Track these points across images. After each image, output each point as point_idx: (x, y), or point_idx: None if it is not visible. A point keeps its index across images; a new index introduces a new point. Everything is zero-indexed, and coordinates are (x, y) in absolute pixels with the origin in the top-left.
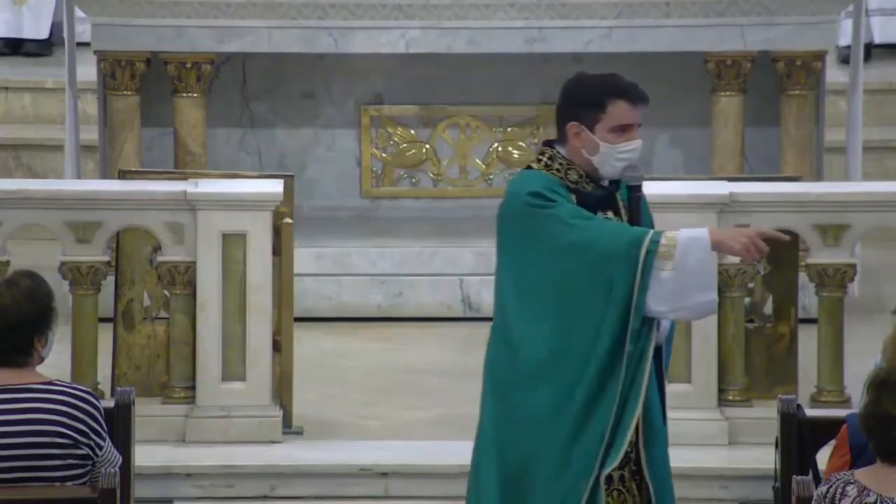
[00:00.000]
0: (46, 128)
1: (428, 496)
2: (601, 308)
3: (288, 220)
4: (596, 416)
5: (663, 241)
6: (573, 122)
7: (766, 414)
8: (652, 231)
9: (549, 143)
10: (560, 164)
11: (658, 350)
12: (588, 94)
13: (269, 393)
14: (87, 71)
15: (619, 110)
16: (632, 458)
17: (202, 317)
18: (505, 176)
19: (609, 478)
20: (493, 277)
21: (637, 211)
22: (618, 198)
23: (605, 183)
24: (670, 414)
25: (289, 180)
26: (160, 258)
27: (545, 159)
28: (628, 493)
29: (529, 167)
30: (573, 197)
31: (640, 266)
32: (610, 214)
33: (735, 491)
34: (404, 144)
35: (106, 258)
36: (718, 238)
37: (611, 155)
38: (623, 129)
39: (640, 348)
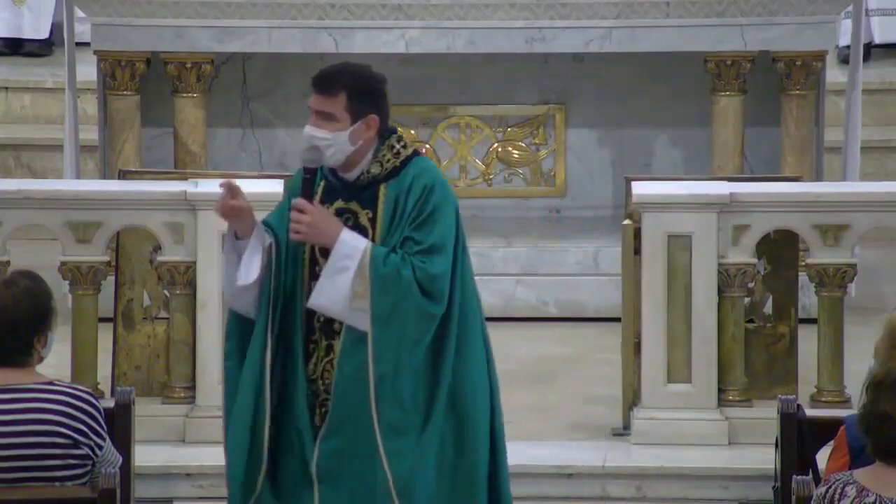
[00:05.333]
0: (46, 128)
1: None
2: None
3: None
4: None
5: None
6: None
7: (766, 414)
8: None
9: None
10: None
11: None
12: None
13: None
14: (87, 71)
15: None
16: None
17: (202, 317)
18: (505, 176)
19: None
20: (491, 277)
21: (307, 193)
22: (381, 191)
23: (349, 175)
24: (670, 414)
25: (288, 180)
26: (160, 258)
27: None
28: None
29: None
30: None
31: None
32: (354, 206)
33: (735, 491)
34: None
35: (106, 258)
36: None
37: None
38: (310, 113)
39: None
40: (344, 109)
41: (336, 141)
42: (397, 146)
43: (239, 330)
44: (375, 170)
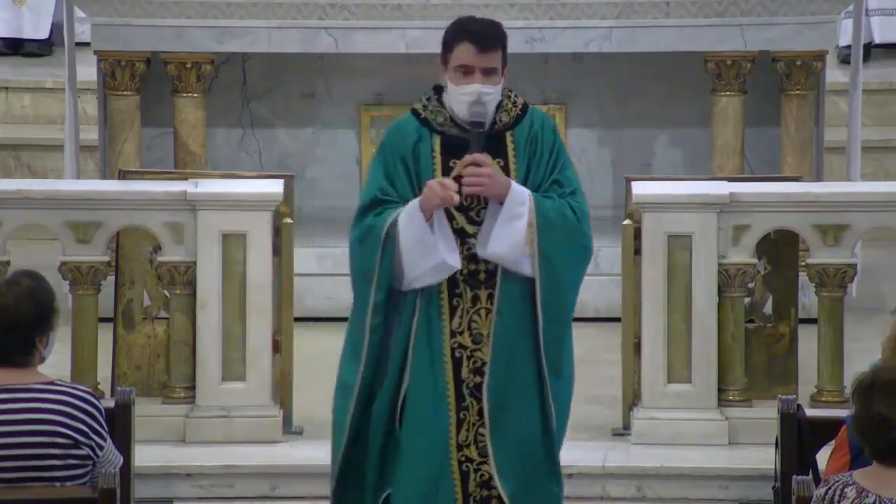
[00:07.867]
0: (46, 128)
1: None
2: (366, 288)
3: (288, 219)
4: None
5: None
6: (441, 63)
7: (766, 414)
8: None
9: (438, 87)
10: (433, 106)
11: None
12: (445, 35)
13: (269, 393)
14: (87, 71)
15: (461, 52)
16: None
17: (202, 317)
18: None
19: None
20: None
21: (477, 146)
22: (507, 140)
23: (476, 126)
24: (670, 414)
25: (289, 180)
26: (160, 258)
27: (424, 100)
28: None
29: (413, 108)
30: (438, 139)
31: (379, 244)
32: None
33: (735, 491)
34: None
35: (106, 258)
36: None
37: (455, 96)
38: (465, 72)
39: (379, 321)
40: (501, 63)
41: (496, 94)
42: (512, 95)
43: (385, 309)
44: (505, 118)
